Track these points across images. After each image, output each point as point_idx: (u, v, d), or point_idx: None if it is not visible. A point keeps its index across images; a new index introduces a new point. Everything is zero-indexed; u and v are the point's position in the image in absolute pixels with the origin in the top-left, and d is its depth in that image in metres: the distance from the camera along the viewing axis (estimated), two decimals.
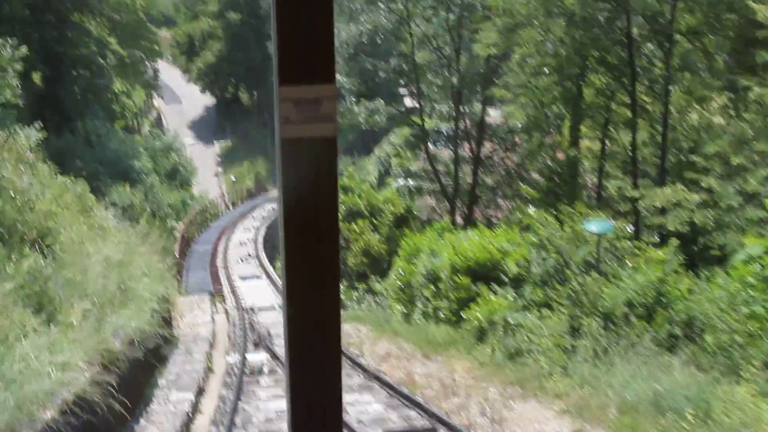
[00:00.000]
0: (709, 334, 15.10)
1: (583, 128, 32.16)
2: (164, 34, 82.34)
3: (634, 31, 27.58)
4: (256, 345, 21.70)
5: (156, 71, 66.77)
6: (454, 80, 39.00)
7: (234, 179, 70.88)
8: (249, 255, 40.45)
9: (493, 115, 42.64)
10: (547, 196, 29.50)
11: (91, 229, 19.00)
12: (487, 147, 41.41)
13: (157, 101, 79.58)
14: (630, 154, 28.49)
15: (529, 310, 19.25)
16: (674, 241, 19.00)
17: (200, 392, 16.53)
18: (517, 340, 18.00)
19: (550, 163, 32.48)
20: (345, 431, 12.97)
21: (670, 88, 27.25)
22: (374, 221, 36.87)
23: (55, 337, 11.18)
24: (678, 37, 27.38)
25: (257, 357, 20.05)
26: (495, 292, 20.40)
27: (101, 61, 49.17)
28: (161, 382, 16.44)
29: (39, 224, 14.81)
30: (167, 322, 19.44)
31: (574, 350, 16.56)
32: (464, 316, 20.50)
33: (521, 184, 35.67)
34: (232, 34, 76.95)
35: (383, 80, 45.85)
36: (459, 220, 39.53)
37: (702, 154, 26.16)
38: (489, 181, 41.66)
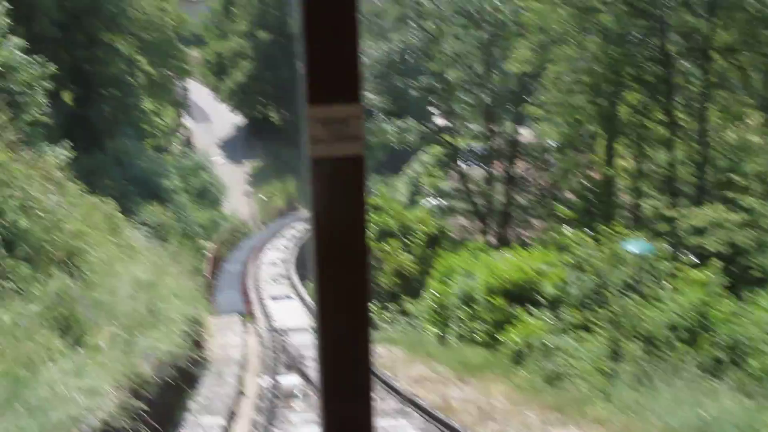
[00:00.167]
0: (754, 358, 14.62)
1: (617, 146, 31.62)
2: (194, 53, 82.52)
3: (670, 47, 27.08)
4: (289, 367, 21.31)
5: (186, 90, 66.76)
6: (486, 98, 38.54)
7: (264, 198, 70.66)
8: (280, 275, 40.10)
9: (525, 134, 42.12)
10: (582, 215, 28.92)
11: (120, 249, 18.71)
12: (520, 166, 40.92)
13: (186, 120, 79.61)
14: (666, 172, 27.94)
15: (567, 332, 18.77)
16: (716, 262, 18.50)
17: (232, 416, 16.12)
18: (556, 364, 17.52)
19: (585, 182, 31.96)
20: None
21: (707, 105, 26.73)
22: (406, 241, 36.43)
23: (81, 361, 10.83)
24: (714, 54, 26.88)
25: (290, 380, 19.66)
26: (532, 314, 19.91)
27: (131, 80, 49.08)
28: (192, 405, 16.05)
29: (67, 244, 14.51)
30: (198, 343, 19.09)
31: (615, 374, 16.06)
32: (500, 339, 20.05)
33: (556, 203, 35.07)
34: (262, 53, 76.93)
35: (414, 98, 45.44)
36: (491, 239, 38.99)
37: (741, 173, 25.61)
38: (521, 200, 41.13)
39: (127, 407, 10.84)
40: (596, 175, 31.70)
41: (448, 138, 42.12)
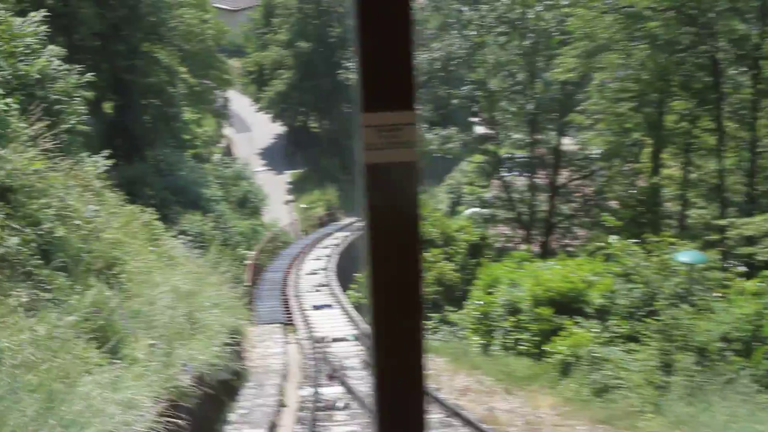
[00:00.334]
0: None
1: (663, 155, 31.08)
2: (235, 63, 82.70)
3: (719, 55, 26.49)
4: (330, 378, 20.98)
5: (226, 100, 66.78)
6: (529, 107, 38.09)
7: (305, 207, 70.57)
8: (321, 284, 39.80)
9: (568, 142, 41.63)
10: (629, 225, 28.37)
11: (159, 258, 18.48)
12: (563, 175, 40.47)
13: (227, 130, 79.76)
14: (714, 181, 27.39)
15: (615, 343, 18.31)
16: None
17: (272, 428, 15.80)
18: (604, 376, 17.06)
19: (632, 190, 31.44)
20: None
21: (756, 113, 26.15)
22: (447, 250, 36.06)
23: (119, 373, 10.53)
24: (764, 61, 26.27)
25: (331, 391, 19.35)
26: (579, 325, 19.43)
27: (171, 90, 49.18)
28: (232, 417, 15.76)
29: (105, 253, 14.28)
30: (238, 354, 18.80)
31: (667, 387, 15.57)
32: (547, 349, 19.59)
33: (603, 212, 34.51)
34: (302, 63, 76.87)
35: (456, 107, 45.09)
36: (534, 248, 38.54)
37: None
38: (565, 209, 40.66)
39: (165, 420, 10.55)
40: (642, 184, 31.17)
41: (490, 147, 41.71)
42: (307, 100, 78.82)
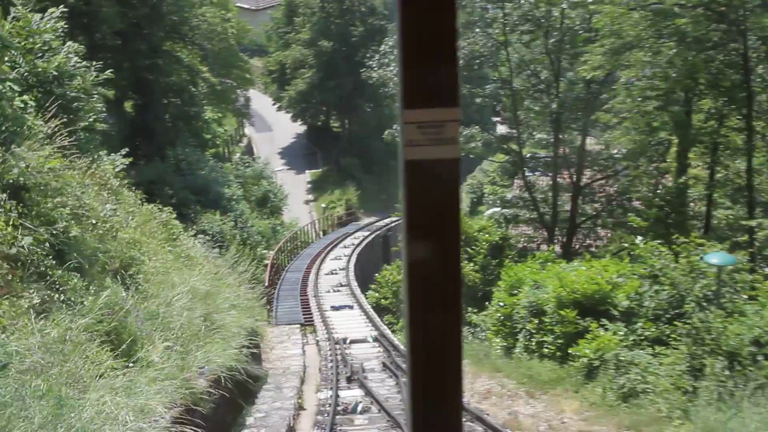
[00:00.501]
0: None
1: (690, 155, 30.61)
2: (256, 62, 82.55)
3: (750, 53, 25.99)
4: (349, 380, 20.69)
5: (247, 99, 66.66)
6: (553, 105, 37.65)
7: (325, 206, 70.38)
8: (341, 284, 39.52)
9: (591, 142, 41.18)
10: (655, 225, 27.88)
11: (177, 258, 18.21)
12: (586, 174, 40.03)
13: (248, 129, 79.65)
14: (741, 181, 26.93)
15: (642, 346, 17.93)
16: None
17: None
18: (631, 380, 16.70)
19: (658, 190, 30.98)
20: None
21: None
22: (468, 250, 35.76)
23: (133, 377, 10.26)
24: None
25: (351, 394, 19.06)
26: (605, 327, 19.05)
27: (192, 89, 49.06)
28: (249, 421, 15.47)
29: (122, 253, 14.03)
30: (255, 356, 18.52)
31: (695, 392, 15.18)
32: (571, 352, 19.22)
33: (629, 213, 34.02)
34: (324, 62, 76.63)
35: (479, 106, 44.72)
36: (557, 249, 38.12)
37: None
38: (588, 209, 40.23)
39: (180, 425, 10.28)
40: (668, 184, 30.73)
41: (514, 146, 41.34)
42: (328, 100, 78.64)
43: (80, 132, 17.62)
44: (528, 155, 42.05)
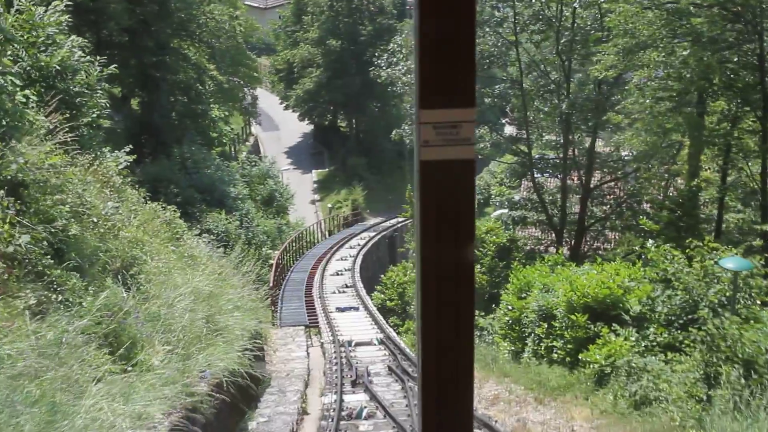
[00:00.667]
0: None
1: (703, 157, 30.24)
2: (264, 61, 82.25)
3: (766, 53, 25.59)
4: (354, 384, 20.35)
5: (254, 98, 66.49)
6: (563, 106, 37.25)
7: (331, 207, 70.13)
8: (346, 285, 39.20)
9: (600, 144, 40.78)
10: (666, 228, 27.48)
11: (180, 258, 17.84)
12: (596, 176, 39.64)
13: (254, 128, 79.39)
14: (754, 185, 26.56)
15: (655, 352, 17.55)
16: None
17: None
18: (643, 387, 16.31)
19: (670, 193, 30.60)
20: None
21: None
22: (476, 252, 35.39)
23: (131, 382, 9.91)
24: None
25: (356, 398, 18.73)
26: (616, 333, 18.66)
27: (199, 87, 48.87)
28: (251, 426, 15.14)
29: (123, 253, 13.67)
30: (259, 358, 18.17)
31: (710, 401, 14.79)
32: (581, 358, 18.84)
33: (641, 216, 33.59)
34: (331, 61, 76.35)
35: (487, 106, 44.31)
36: (565, 252, 37.72)
37: None
38: (597, 212, 39.83)
39: (180, 431, 9.94)
40: (680, 187, 30.36)
41: (522, 147, 40.97)
42: (335, 99, 78.38)
43: (83, 128, 17.30)
44: (537, 156, 41.62)
